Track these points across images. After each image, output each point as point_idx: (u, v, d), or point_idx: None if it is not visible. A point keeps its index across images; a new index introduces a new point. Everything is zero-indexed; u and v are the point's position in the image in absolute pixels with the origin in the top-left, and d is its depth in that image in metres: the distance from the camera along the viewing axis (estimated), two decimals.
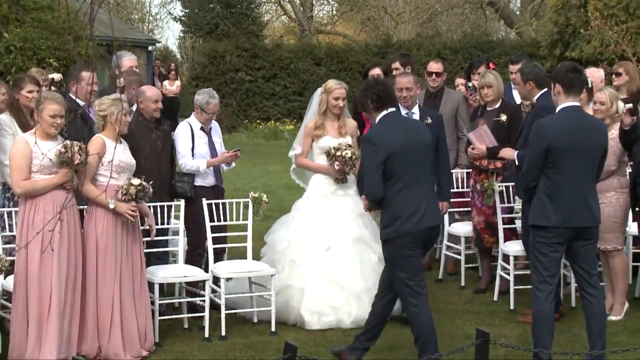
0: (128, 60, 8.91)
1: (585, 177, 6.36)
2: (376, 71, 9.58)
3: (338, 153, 7.70)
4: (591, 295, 6.48)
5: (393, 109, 6.45)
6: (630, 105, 8.22)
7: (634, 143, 7.86)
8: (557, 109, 6.47)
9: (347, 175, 7.82)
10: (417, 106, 8.04)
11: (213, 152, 8.08)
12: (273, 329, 7.49)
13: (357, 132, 8.10)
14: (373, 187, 6.28)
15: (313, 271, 7.63)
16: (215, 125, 8.24)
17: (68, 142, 6.51)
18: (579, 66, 6.76)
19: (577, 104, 6.46)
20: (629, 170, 8.19)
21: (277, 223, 8.24)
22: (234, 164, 8.30)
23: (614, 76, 9.49)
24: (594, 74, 9.23)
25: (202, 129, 8.07)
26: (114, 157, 6.68)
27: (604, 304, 6.65)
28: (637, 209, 7.86)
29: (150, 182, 6.85)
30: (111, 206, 6.66)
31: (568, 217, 6.29)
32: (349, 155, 7.66)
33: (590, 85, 8.41)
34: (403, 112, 7.90)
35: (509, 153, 7.65)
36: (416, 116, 7.91)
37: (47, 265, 6.47)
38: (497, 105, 8.68)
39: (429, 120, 7.86)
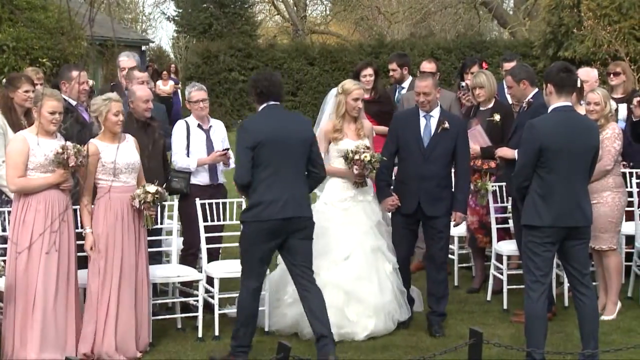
0: (121, 61, 8.87)
1: (577, 177, 6.38)
2: (368, 71, 9.57)
3: (357, 157, 7.35)
4: (584, 295, 6.50)
5: (274, 102, 6.71)
6: None
7: None
8: (550, 109, 6.49)
9: (366, 178, 7.54)
10: (437, 109, 7.61)
11: (211, 151, 8.07)
12: (266, 328, 7.48)
13: (372, 133, 7.86)
14: (241, 172, 6.59)
15: (331, 281, 7.31)
16: (217, 124, 8.24)
17: (68, 143, 6.51)
18: (570, 66, 6.77)
19: (569, 104, 6.48)
20: (622, 170, 8.22)
21: None
22: (232, 164, 8.18)
23: (611, 75, 9.48)
24: (589, 74, 9.23)
25: (199, 126, 8.08)
26: (102, 160, 6.74)
27: (597, 304, 6.66)
28: None
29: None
30: (86, 230, 6.73)
31: (560, 217, 6.31)
32: (368, 158, 7.35)
33: (579, 85, 8.43)
34: (421, 114, 7.56)
35: (508, 152, 7.64)
36: (434, 120, 7.55)
37: (35, 265, 6.47)
38: (491, 105, 8.68)
39: (447, 125, 7.49)
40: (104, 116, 6.76)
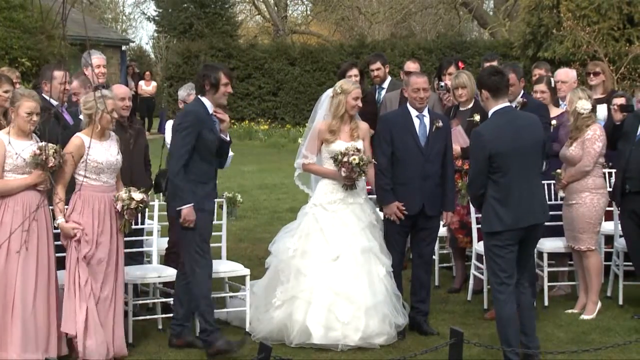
0: (96, 58, 8.87)
1: (530, 174, 6.51)
2: (354, 72, 9.56)
3: (345, 159, 7.19)
4: (526, 287, 6.68)
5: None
6: (622, 101, 8.36)
7: (620, 139, 8.00)
8: (490, 113, 6.58)
9: (356, 181, 7.36)
10: (426, 109, 7.62)
11: None
12: (247, 329, 7.47)
13: (369, 134, 7.65)
14: None
15: (320, 282, 7.19)
16: None
17: (44, 144, 6.46)
18: (499, 68, 6.95)
19: (507, 104, 6.60)
20: (604, 170, 8.27)
21: (281, 231, 7.72)
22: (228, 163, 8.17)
23: (591, 75, 9.51)
24: (568, 75, 9.30)
25: None
26: (87, 157, 6.67)
27: (533, 300, 6.82)
28: (623, 194, 7.99)
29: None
30: (58, 221, 6.66)
31: (521, 217, 6.42)
32: (357, 161, 7.18)
33: (552, 85, 8.49)
34: (414, 114, 7.53)
35: None
36: (427, 119, 7.53)
37: (13, 265, 6.43)
38: (470, 106, 8.70)
39: (440, 124, 7.50)
40: (100, 114, 6.73)
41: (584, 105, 7.78)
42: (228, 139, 7.27)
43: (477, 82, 6.76)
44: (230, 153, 7.75)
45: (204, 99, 7.03)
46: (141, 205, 6.77)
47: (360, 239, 7.34)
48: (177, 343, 7.16)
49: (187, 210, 6.83)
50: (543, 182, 8.25)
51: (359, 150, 7.29)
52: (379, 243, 7.44)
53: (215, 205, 7.34)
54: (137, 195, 6.73)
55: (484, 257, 6.94)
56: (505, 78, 6.66)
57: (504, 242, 6.41)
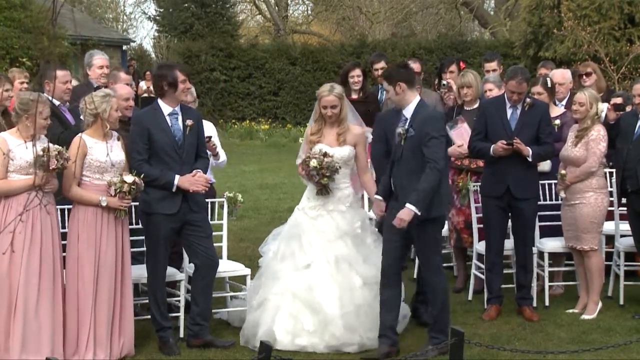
0: (99, 59, 8.87)
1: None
2: (356, 72, 9.55)
3: (306, 161, 7.15)
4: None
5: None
6: (619, 100, 8.34)
7: (616, 137, 8.00)
8: (417, 103, 6.84)
9: (326, 187, 7.18)
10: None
11: None
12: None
13: (364, 140, 7.51)
14: None
15: (290, 289, 7.15)
16: (206, 125, 8.19)
17: (49, 145, 6.45)
18: (405, 62, 7.46)
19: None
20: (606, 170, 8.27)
21: (271, 234, 7.70)
22: (223, 157, 8.35)
23: (584, 77, 9.51)
24: (564, 76, 9.27)
25: None
26: (90, 157, 6.69)
27: None
28: (624, 198, 8.00)
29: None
30: (103, 204, 6.66)
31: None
32: (314, 164, 7.06)
33: (549, 85, 8.47)
34: None
35: (524, 149, 7.67)
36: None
37: (16, 266, 6.41)
38: (476, 106, 8.68)
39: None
40: (108, 113, 6.73)
41: (603, 108, 7.86)
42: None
43: (389, 78, 6.92)
44: (224, 158, 8.24)
45: (161, 102, 7.04)
46: (133, 187, 6.71)
47: (337, 247, 7.22)
48: (195, 343, 7.11)
49: (178, 182, 6.90)
50: (546, 181, 8.32)
51: (326, 155, 7.13)
52: (361, 253, 7.29)
53: (210, 206, 7.37)
54: (129, 178, 6.71)
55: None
56: (412, 68, 7.34)
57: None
